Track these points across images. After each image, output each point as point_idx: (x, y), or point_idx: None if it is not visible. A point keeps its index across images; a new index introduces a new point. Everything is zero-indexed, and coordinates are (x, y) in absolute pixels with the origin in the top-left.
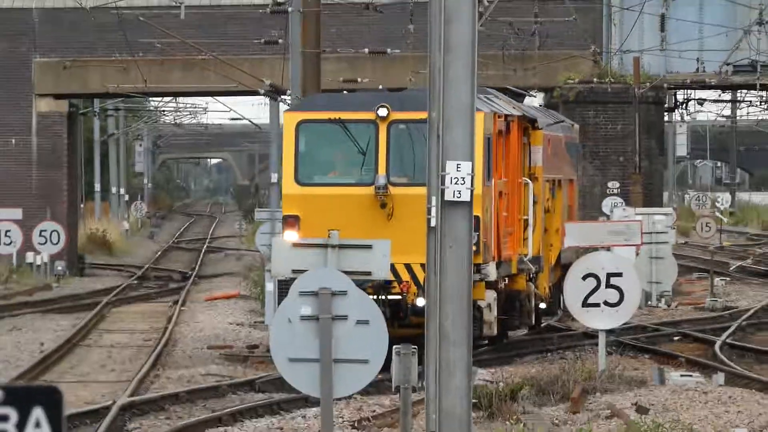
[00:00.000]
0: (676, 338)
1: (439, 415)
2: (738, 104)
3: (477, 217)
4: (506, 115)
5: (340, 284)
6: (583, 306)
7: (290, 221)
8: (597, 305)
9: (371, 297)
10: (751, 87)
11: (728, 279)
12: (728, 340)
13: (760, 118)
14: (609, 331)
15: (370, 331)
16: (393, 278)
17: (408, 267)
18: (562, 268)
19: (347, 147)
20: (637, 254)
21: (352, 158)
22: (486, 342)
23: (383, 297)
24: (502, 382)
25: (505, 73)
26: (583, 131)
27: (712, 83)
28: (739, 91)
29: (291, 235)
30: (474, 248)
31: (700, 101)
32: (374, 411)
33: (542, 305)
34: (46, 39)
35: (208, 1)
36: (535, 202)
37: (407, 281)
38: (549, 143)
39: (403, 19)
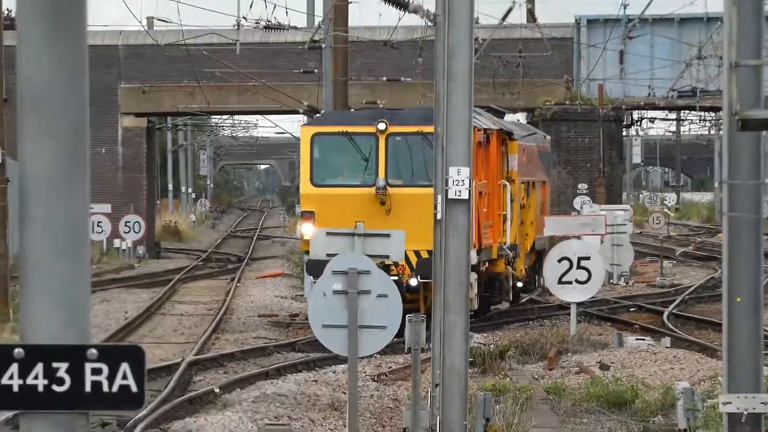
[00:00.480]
0: (632, 309)
1: (443, 370)
2: (681, 122)
3: None
4: (485, 129)
5: (365, 265)
6: (558, 283)
7: (307, 215)
8: (570, 283)
9: None
10: (692, 108)
11: (674, 262)
12: (674, 311)
13: (699, 133)
14: (579, 304)
15: (388, 303)
16: (390, 262)
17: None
18: (536, 253)
19: (353, 155)
20: (602, 242)
21: (357, 164)
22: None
23: None
24: (492, 345)
25: (495, 97)
26: (558, 143)
27: (661, 105)
28: (682, 111)
29: (308, 227)
30: None
31: (651, 119)
32: (390, 367)
33: (519, 284)
34: (129, 69)
35: (258, 39)
36: (512, 200)
37: (403, 265)
38: (524, 152)
39: (413, 53)
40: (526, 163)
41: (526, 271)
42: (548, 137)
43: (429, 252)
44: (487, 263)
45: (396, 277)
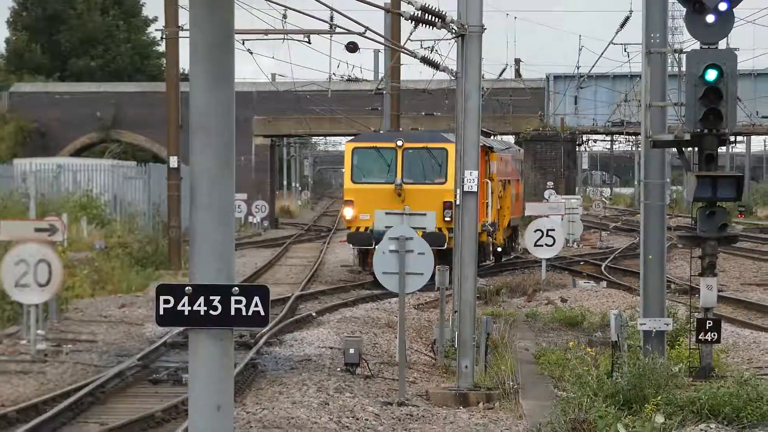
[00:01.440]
0: (581, 263)
1: (460, 302)
2: (614, 142)
3: (450, 202)
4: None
5: (410, 233)
6: (534, 246)
7: (348, 203)
8: (541, 245)
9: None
10: (620, 133)
11: (609, 232)
12: (609, 264)
13: (625, 149)
14: (547, 259)
15: (425, 258)
16: None
17: (413, 229)
18: (512, 229)
19: (380, 162)
20: (562, 219)
21: (383, 169)
22: None
23: None
24: (491, 286)
25: (494, 125)
26: (534, 155)
27: (600, 131)
28: (614, 135)
29: (349, 211)
30: (449, 219)
31: (594, 140)
32: (426, 300)
33: (499, 249)
34: (259, 107)
35: (342, 87)
36: (492, 193)
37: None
38: (501, 160)
39: (442, 97)
40: (503, 168)
41: (505, 241)
42: (521, 150)
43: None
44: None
45: None
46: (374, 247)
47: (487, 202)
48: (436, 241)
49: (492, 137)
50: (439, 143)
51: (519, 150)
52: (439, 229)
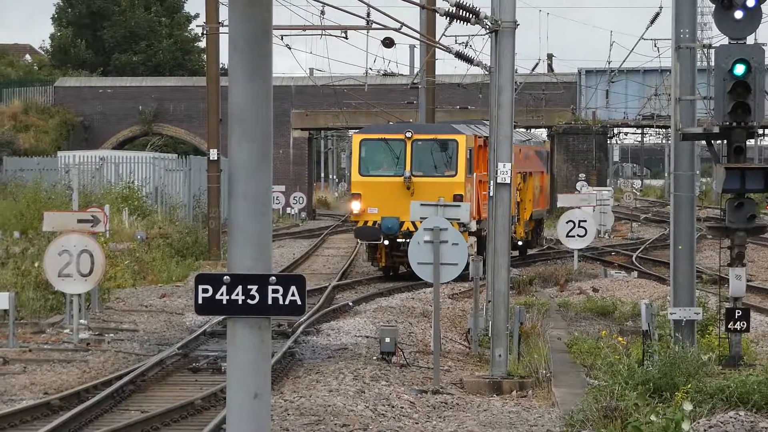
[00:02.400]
0: (613, 253)
1: (493, 292)
2: (644, 135)
3: (461, 195)
4: (486, 137)
5: (444, 224)
6: (566, 236)
7: (355, 196)
8: (573, 236)
9: (403, 240)
10: (651, 126)
11: (639, 223)
12: (639, 255)
13: (655, 142)
14: (579, 249)
15: (459, 249)
16: (414, 230)
17: None
18: (535, 221)
19: (388, 154)
20: (593, 210)
21: (391, 161)
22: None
23: (409, 240)
24: (524, 275)
25: (527, 118)
26: (566, 148)
27: (631, 124)
28: (645, 128)
29: (356, 204)
30: None
31: (625, 133)
32: (460, 290)
33: (519, 243)
34: (297, 101)
35: (379, 82)
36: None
37: None
38: (520, 152)
39: (476, 91)
40: (522, 159)
41: (528, 234)
42: (547, 142)
43: None
44: (484, 230)
45: None
46: (383, 242)
47: None
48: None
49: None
50: (449, 134)
51: (544, 141)
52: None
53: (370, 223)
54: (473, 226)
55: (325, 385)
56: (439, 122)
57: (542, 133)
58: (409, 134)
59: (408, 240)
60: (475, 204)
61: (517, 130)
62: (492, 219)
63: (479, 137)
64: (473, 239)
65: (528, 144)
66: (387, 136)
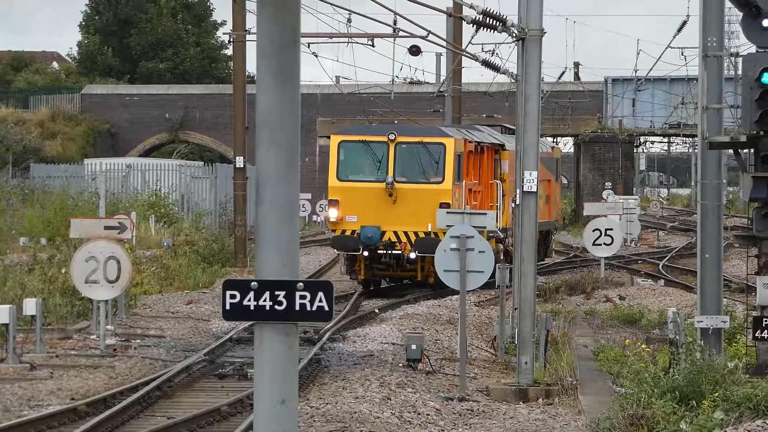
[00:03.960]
0: (639, 261)
1: (519, 299)
2: (670, 143)
3: (448, 203)
4: (477, 142)
5: (470, 232)
6: (593, 245)
7: (333, 203)
8: (600, 245)
9: (384, 252)
10: (677, 135)
11: (666, 232)
12: (666, 263)
13: (681, 150)
14: (606, 258)
15: (485, 256)
16: (396, 240)
17: (405, 233)
18: (540, 234)
19: (370, 158)
20: (620, 218)
21: (373, 165)
22: None
23: (391, 252)
24: (551, 283)
25: (553, 126)
26: (592, 157)
27: (658, 133)
28: (671, 137)
29: (333, 212)
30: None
31: (652, 142)
32: (486, 298)
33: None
34: (323, 109)
35: (405, 90)
36: (504, 195)
37: (405, 242)
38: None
39: (503, 99)
40: None
41: None
42: (556, 148)
43: (425, 233)
44: None
45: (399, 252)
46: (362, 253)
47: (497, 206)
48: (432, 246)
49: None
50: (437, 137)
51: (553, 148)
52: (435, 233)
53: (348, 232)
54: None
55: (351, 391)
56: (428, 126)
57: (549, 140)
58: (392, 136)
59: (390, 251)
60: None
61: (512, 135)
62: (518, 227)
63: (469, 142)
64: None
65: None
66: (368, 138)
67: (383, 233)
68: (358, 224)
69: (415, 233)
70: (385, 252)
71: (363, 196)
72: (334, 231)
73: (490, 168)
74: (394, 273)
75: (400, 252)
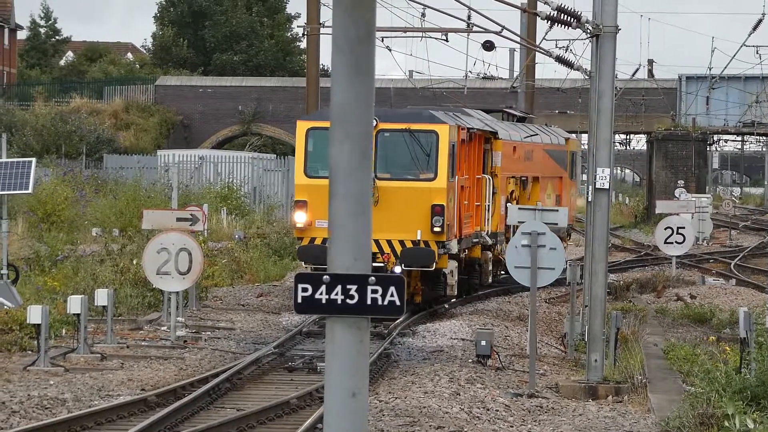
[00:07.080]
0: (711, 260)
1: (590, 297)
2: (744, 142)
3: (442, 206)
4: (469, 128)
5: (542, 229)
6: (664, 243)
7: (300, 204)
8: (672, 243)
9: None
10: (751, 133)
11: (738, 231)
12: (738, 262)
13: (755, 149)
14: (677, 256)
15: (556, 253)
16: (377, 250)
17: (389, 242)
18: None
19: None
20: (692, 217)
21: None
22: (452, 300)
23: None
24: (621, 281)
25: (626, 124)
26: (665, 155)
27: (731, 131)
28: (745, 135)
29: (300, 216)
30: (439, 229)
31: (725, 140)
32: (556, 294)
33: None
34: (396, 102)
35: (478, 85)
36: (494, 193)
37: (388, 253)
38: (514, 150)
39: (576, 96)
40: (520, 160)
41: None
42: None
43: (413, 242)
44: (467, 250)
45: (381, 264)
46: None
47: (488, 205)
48: (421, 259)
49: (514, 120)
50: (427, 123)
51: (569, 139)
52: (426, 242)
53: (318, 241)
54: (453, 248)
55: (420, 386)
56: (418, 108)
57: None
58: (374, 122)
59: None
60: (456, 218)
61: (514, 123)
62: (590, 225)
63: (462, 128)
64: (453, 264)
65: (532, 141)
66: None
67: None
68: None
69: (401, 242)
70: None
71: None
72: (300, 240)
73: (478, 160)
74: None
75: (382, 265)
